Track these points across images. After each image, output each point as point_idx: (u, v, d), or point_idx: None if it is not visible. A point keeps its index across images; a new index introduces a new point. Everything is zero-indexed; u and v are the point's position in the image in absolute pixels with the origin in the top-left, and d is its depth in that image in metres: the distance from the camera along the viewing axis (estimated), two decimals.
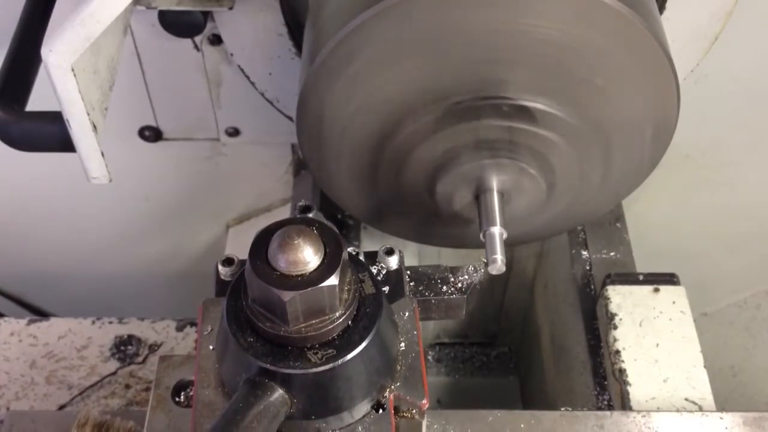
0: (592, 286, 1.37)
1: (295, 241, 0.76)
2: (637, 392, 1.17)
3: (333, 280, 0.76)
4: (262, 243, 0.78)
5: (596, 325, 1.32)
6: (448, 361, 2.04)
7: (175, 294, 1.74)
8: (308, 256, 0.76)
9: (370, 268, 0.87)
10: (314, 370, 0.78)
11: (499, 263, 1.01)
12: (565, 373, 1.48)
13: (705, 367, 1.20)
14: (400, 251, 0.94)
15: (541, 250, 1.70)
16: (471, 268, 0.99)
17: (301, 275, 0.76)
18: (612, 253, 1.42)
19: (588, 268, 1.41)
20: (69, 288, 1.90)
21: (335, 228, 0.81)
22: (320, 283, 0.76)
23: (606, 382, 1.26)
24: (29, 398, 1.42)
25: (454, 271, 0.99)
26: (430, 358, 2.01)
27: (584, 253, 1.43)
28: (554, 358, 1.60)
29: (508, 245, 1.05)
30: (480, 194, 1.08)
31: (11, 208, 1.77)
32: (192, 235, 1.83)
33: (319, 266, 0.77)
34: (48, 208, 1.78)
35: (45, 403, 1.41)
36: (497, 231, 1.04)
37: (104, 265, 1.90)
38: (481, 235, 1.04)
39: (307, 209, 0.92)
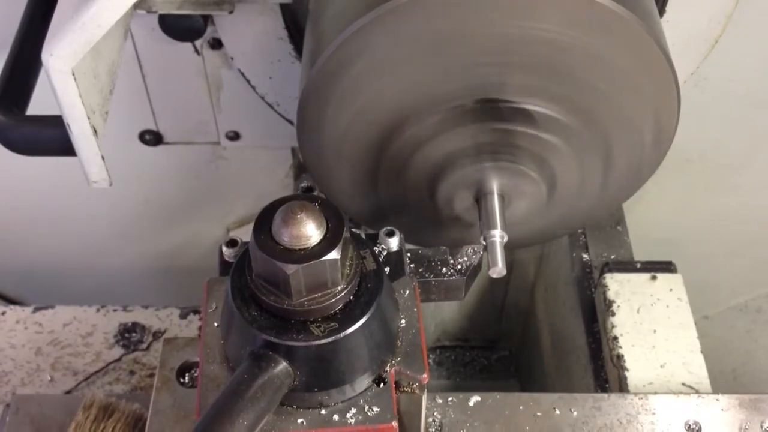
0: (593, 289, 1.37)
1: (298, 216, 0.78)
2: (634, 377, 1.19)
3: (335, 254, 0.78)
4: (266, 218, 0.80)
5: (597, 328, 1.32)
6: (448, 364, 2.04)
7: (174, 295, 1.74)
8: (311, 231, 0.78)
9: (372, 246, 0.89)
10: (317, 342, 0.80)
11: (499, 266, 1.01)
12: (567, 376, 1.48)
13: (701, 352, 1.21)
14: (400, 233, 0.96)
15: (541, 253, 1.70)
16: (470, 250, 1.00)
17: (304, 249, 0.78)
18: (613, 256, 1.42)
19: (589, 271, 1.41)
20: (68, 288, 1.91)
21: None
22: (322, 257, 0.78)
23: (608, 385, 1.26)
24: (35, 384, 1.44)
25: (453, 253, 1.01)
26: (431, 361, 2.01)
27: (585, 256, 1.43)
28: (555, 361, 1.60)
29: (509, 248, 1.05)
30: (480, 197, 1.08)
31: (9, 211, 1.77)
32: (192, 238, 1.83)
33: (322, 240, 0.79)
34: (47, 211, 1.78)
35: (50, 389, 1.43)
36: (498, 234, 1.04)
37: (103, 266, 1.90)
38: (481, 239, 1.04)
39: (309, 189, 0.93)
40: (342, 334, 0.80)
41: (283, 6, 1.28)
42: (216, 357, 0.88)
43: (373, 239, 0.95)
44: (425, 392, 0.90)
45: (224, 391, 0.79)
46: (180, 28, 1.28)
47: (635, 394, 1.11)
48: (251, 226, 0.80)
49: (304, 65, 1.10)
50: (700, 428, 1.07)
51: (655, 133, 1.08)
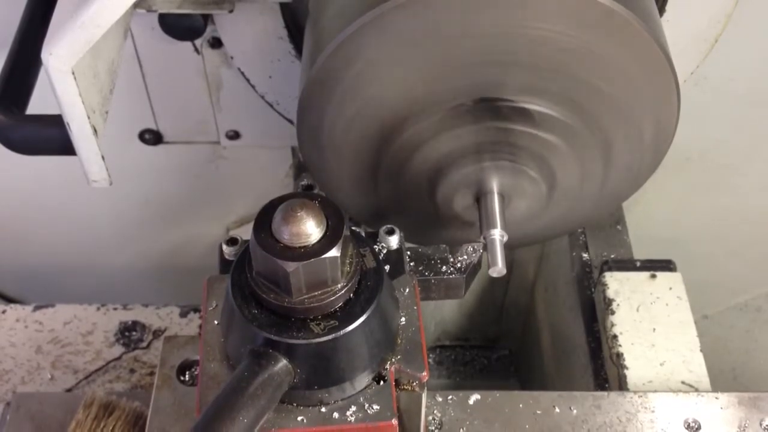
0: (593, 288, 1.37)
1: (298, 214, 0.78)
2: (634, 375, 1.19)
3: (335, 252, 0.78)
4: (266, 216, 0.80)
5: (597, 327, 1.32)
6: (448, 363, 2.04)
7: (174, 294, 1.74)
8: (311, 228, 0.78)
9: (371, 244, 0.89)
10: (317, 340, 0.80)
11: (499, 266, 1.01)
12: (566, 375, 1.48)
13: (701, 351, 1.21)
14: (400, 231, 0.96)
15: (541, 253, 1.70)
16: (470, 248, 1.01)
17: (304, 247, 0.78)
18: (612, 256, 1.42)
19: (588, 270, 1.41)
20: (68, 287, 1.91)
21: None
22: (322, 255, 0.78)
23: (607, 384, 1.26)
24: (35, 382, 1.45)
25: (453, 251, 1.01)
26: (431, 360, 2.01)
27: (585, 255, 1.43)
28: (555, 361, 1.60)
29: (509, 248, 1.05)
30: (480, 197, 1.08)
31: (9, 211, 1.77)
32: (192, 237, 1.83)
33: (322, 238, 0.79)
34: (47, 211, 1.78)
35: (51, 388, 1.44)
36: (498, 233, 1.04)
37: (103, 265, 1.90)
38: (481, 238, 1.04)
39: (309, 188, 0.93)
40: (342, 332, 0.81)
41: (283, 5, 1.28)
42: (216, 355, 0.88)
43: (373, 237, 0.96)
44: (425, 390, 0.91)
45: (224, 389, 0.79)
46: (180, 27, 1.28)
47: (635, 392, 1.11)
48: (251, 225, 0.81)
49: (303, 65, 1.10)
50: (699, 426, 1.07)
51: (655, 132, 1.08)
